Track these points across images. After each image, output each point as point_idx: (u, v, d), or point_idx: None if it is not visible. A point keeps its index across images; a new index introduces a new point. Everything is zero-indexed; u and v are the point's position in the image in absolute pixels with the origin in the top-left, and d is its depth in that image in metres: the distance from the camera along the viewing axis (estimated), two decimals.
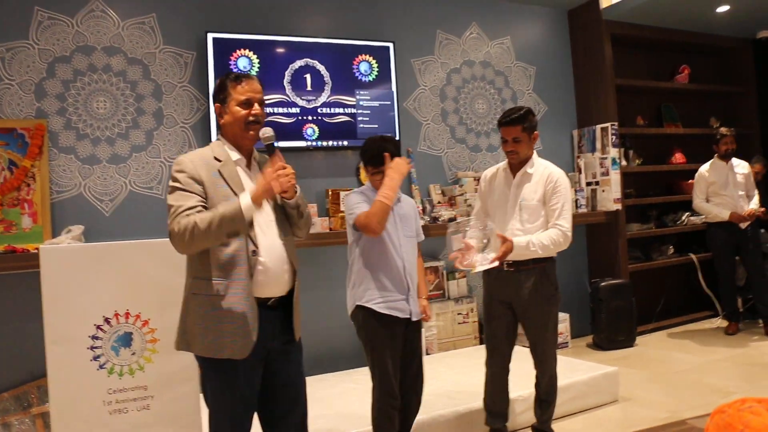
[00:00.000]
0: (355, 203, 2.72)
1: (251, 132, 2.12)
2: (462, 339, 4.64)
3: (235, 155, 2.13)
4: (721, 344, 4.93)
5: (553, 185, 2.91)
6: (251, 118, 2.12)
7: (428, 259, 4.69)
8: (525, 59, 5.29)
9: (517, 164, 2.99)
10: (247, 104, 2.12)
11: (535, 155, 3.01)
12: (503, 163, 3.07)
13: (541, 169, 2.97)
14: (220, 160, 2.09)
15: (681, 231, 5.71)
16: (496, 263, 2.71)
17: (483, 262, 2.69)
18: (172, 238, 1.98)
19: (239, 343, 2.03)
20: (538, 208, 2.92)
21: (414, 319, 2.76)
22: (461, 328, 4.65)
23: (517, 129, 2.90)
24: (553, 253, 2.94)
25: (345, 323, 2.93)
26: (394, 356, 2.71)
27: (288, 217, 2.21)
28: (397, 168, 2.66)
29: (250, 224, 2.03)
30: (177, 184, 2.04)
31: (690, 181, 5.77)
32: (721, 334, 5.21)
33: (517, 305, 2.96)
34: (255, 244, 2.07)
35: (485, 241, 2.79)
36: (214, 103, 2.17)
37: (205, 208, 2.02)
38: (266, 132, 2.18)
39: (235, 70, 3.90)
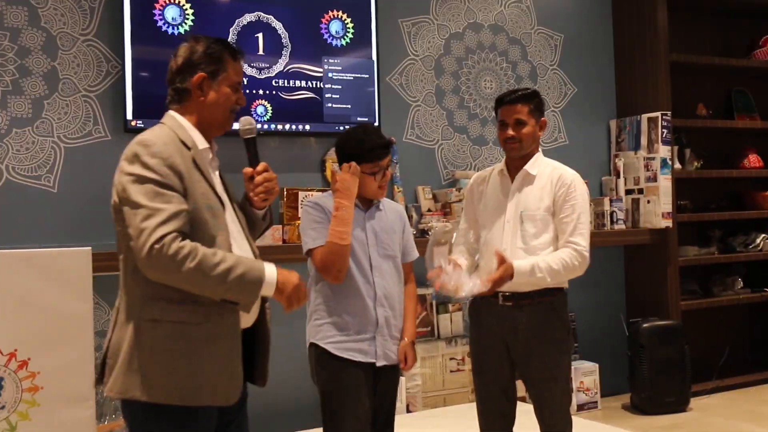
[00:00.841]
0: (310, 227, 2.95)
1: (229, 126, 2.37)
2: (455, 392, 4.89)
3: (202, 142, 2.30)
4: None
5: (565, 190, 3.08)
6: (237, 107, 2.36)
7: None
8: (550, 24, 5.60)
9: (516, 163, 3.17)
10: (237, 88, 2.35)
11: (539, 153, 3.21)
12: (499, 165, 3.27)
13: (549, 170, 3.15)
14: (188, 147, 2.24)
15: (755, 259, 5.99)
16: (486, 288, 2.87)
17: (471, 286, 2.86)
18: (154, 257, 2.04)
19: (223, 385, 2.20)
20: (546, 221, 3.09)
21: (379, 364, 2.96)
22: (454, 377, 4.91)
23: (523, 109, 3.11)
24: (564, 281, 3.14)
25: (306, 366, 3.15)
26: (355, 412, 2.89)
27: (252, 224, 2.49)
28: (346, 190, 2.88)
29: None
30: (150, 174, 2.11)
31: None
32: None
33: (514, 351, 3.14)
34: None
35: (477, 258, 3.04)
36: (196, 70, 2.28)
37: (188, 214, 2.15)
38: (248, 123, 2.42)
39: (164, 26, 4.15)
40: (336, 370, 2.92)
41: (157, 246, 2.04)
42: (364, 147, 2.96)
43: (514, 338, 3.11)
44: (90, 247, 3.39)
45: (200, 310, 2.16)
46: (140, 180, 2.11)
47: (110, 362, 2.19)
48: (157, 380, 2.14)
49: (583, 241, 3.04)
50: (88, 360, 3.22)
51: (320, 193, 4.25)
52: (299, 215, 4.34)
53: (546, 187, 3.11)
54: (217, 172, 2.39)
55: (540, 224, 3.09)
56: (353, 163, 2.93)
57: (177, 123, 2.29)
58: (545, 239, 3.09)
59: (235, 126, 2.47)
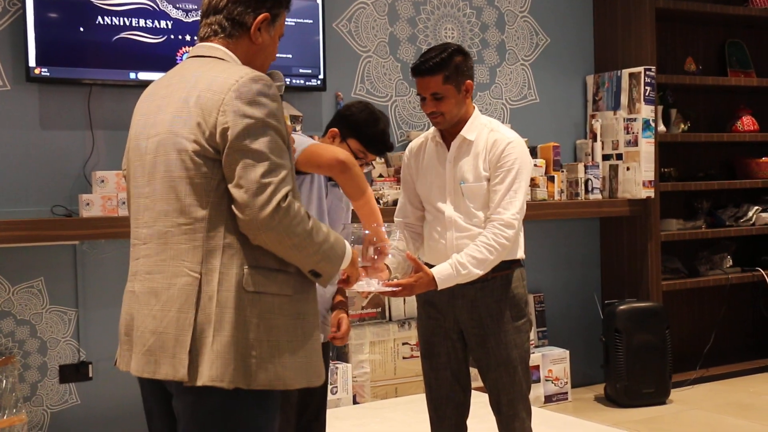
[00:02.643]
0: (303, 139, 2.99)
1: None
2: (408, 381, 5.00)
3: None
4: None
5: (498, 154, 3.15)
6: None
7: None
8: None
9: (452, 130, 3.24)
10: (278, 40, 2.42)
11: (476, 114, 3.27)
12: (431, 131, 3.34)
13: (486, 134, 3.22)
14: None
15: (746, 234, 6.15)
16: (387, 289, 2.94)
17: (364, 284, 2.86)
18: (280, 215, 2.08)
19: (318, 363, 2.27)
20: (484, 190, 3.18)
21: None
22: (407, 365, 5.01)
23: (437, 80, 3.14)
24: (516, 253, 3.24)
25: None
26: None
27: None
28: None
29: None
30: (273, 122, 2.14)
31: (765, 159, 6.24)
32: None
33: (467, 331, 3.24)
34: None
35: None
36: (262, 7, 2.31)
37: None
38: (280, 78, 2.51)
39: None
40: None
41: (284, 204, 2.08)
42: (373, 132, 3.11)
43: (467, 317, 3.21)
44: None
45: (290, 281, 2.21)
46: (264, 126, 2.12)
47: (201, 347, 2.11)
48: (264, 363, 2.14)
49: (509, 213, 3.10)
50: None
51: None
52: None
53: (481, 154, 3.19)
54: None
55: (479, 196, 3.18)
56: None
57: (236, 60, 2.29)
58: (487, 211, 3.18)
59: None
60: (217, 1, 2.31)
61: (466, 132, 3.22)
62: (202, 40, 2.34)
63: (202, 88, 2.16)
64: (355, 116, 3.16)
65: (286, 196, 2.09)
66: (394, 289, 2.96)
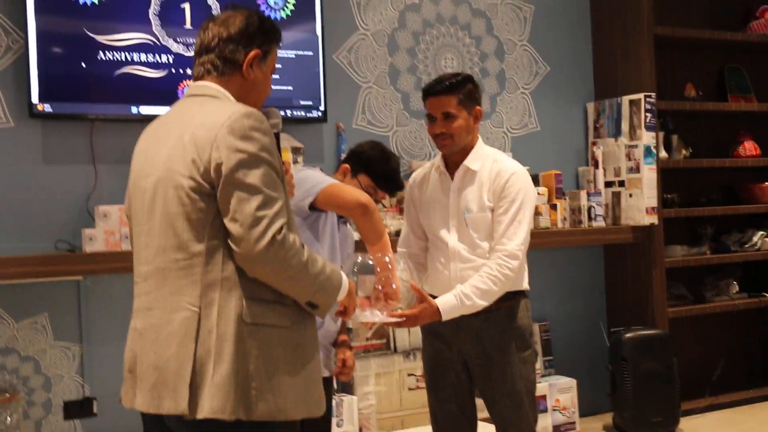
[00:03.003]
0: (323, 177, 3.09)
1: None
2: (414, 413, 5.00)
3: None
4: None
5: (502, 185, 3.22)
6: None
7: None
8: None
9: (456, 159, 3.31)
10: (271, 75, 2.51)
11: (480, 144, 3.35)
12: (436, 160, 3.41)
13: (490, 164, 3.28)
14: None
15: (752, 259, 6.19)
16: (392, 320, 2.98)
17: (368, 315, 2.93)
18: (275, 248, 2.14)
19: (319, 394, 2.35)
20: (489, 221, 3.24)
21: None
22: (413, 396, 5.02)
23: (450, 101, 3.23)
24: (521, 284, 3.29)
25: None
26: None
27: None
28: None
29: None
30: (266, 156, 2.19)
31: (767, 183, 6.28)
32: None
33: (472, 363, 3.29)
34: None
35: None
36: (252, 45, 2.39)
37: None
38: (276, 116, 2.55)
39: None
40: None
41: (279, 237, 2.13)
42: (384, 170, 3.23)
43: (471, 349, 3.26)
44: None
45: (287, 312, 2.26)
46: (257, 160, 2.17)
47: (201, 380, 2.16)
48: (265, 394, 2.19)
49: (513, 243, 3.15)
50: None
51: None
52: None
53: (486, 184, 3.25)
54: None
55: (484, 227, 3.24)
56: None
57: (228, 97, 2.36)
58: (491, 242, 3.24)
59: None
60: (209, 41, 2.40)
61: (470, 162, 3.27)
62: (196, 79, 2.42)
63: (195, 125, 2.23)
64: (366, 153, 3.27)
65: (281, 229, 2.15)
66: (399, 320, 2.99)
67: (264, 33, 2.43)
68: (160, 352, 2.21)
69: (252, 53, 2.39)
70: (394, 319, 2.98)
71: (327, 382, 3.06)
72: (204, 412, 2.14)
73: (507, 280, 3.13)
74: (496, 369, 3.23)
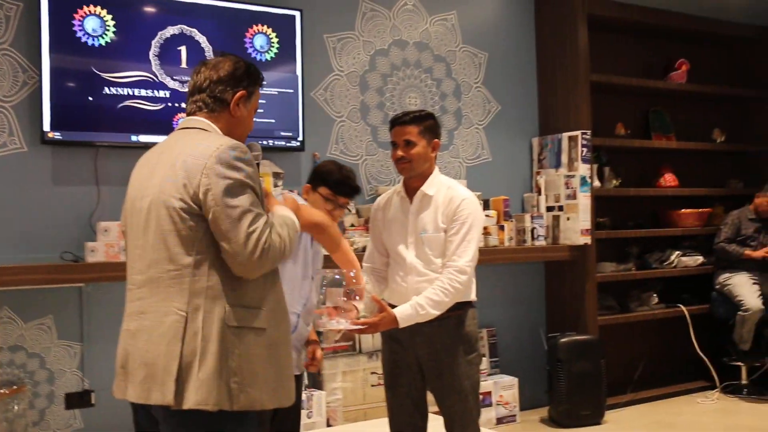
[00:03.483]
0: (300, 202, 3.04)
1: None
2: (376, 406, 4.94)
3: None
4: (718, 427, 5.36)
5: (454, 210, 3.19)
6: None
7: None
8: (474, 42, 5.71)
9: (414, 185, 3.28)
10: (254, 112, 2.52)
11: (436, 172, 3.32)
12: (398, 186, 3.39)
13: (444, 191, 3.26)
14: None
15: (669, 275, 6.23)
16: (355, 327, 2.95)
17: (335, 324, 2.91)
18: (266, 256, 2.18)
19: (288, 386, 2.36)
20: (442, 240, 3.21)
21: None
22: (375, 392, 4.96)
23: (413, 130, 3.22)
24: (470, 296, 3.25)
25: None
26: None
27: None
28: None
29: None
30: (250, 182, 2.22)
31: (684, 210, 6.34)
32: (719, 415, 5.64)
33: (426, 365, 3.24)
34: None
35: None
36: (239, 86, 2.40)
37: None
38: (258, 149, 2.58)
39: (82, 36, 4.14)
40: None
41: (266, 246, 2.18)
42: (336, 177, 3.17)
43: (425, 352, 3.22)
44: None
45: (266, 315, 2.28)
46: (242, 185, 2.20)
47: (187, 375, 2.16)
48: (245, 388, 2.20)
49: (462, 260, 3.13)
50: None
51: None
52: None
53: (440, 209, 3.23)
54: None
55: (437, 245, 3.22)
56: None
57: (217, 131, 2.36)
58: (444, 258, 3.21)
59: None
60: (201, 82, 2.41)
61: (426, 188, 3.26)
62: (188, 114, 2.43)
63: (187, 153, 2.24)
64: (321, 168, 3.28)
65: (267, 239, 2.18)
66: (361, 327, 2.98)
67: (249, 76, 2.44)
68: (151, 351, 2.20)
69: (239, 94, 2.40)
70: (357, 327, 2.96)
71: (298, 378, 3.02)
72: (189, 403, 2.14)
73: (457, 293, 3.11)
74: (446, 370, 3.20)
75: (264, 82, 2.52)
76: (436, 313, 3.09)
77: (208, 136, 2.30)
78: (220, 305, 2.20)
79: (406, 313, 3.05)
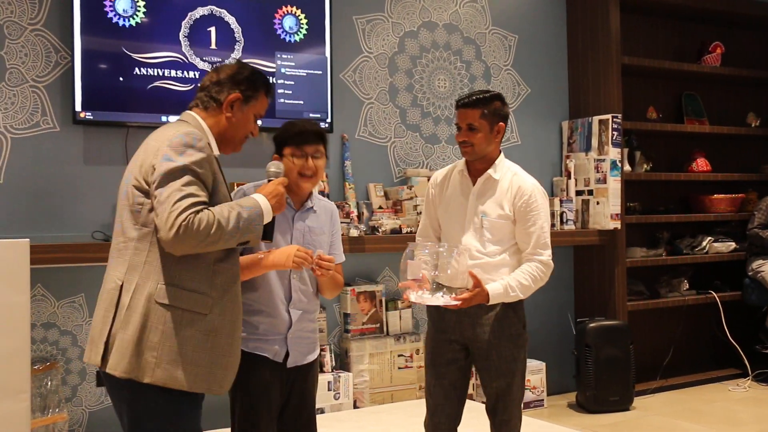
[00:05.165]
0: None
1: (239, 149, 2.64)
2: (403, 389, 5.00)
3: (216, 150, 2.55)
4: (749, 416, 5.35)
5: (526, 201, 3.15)
6: (250, 135, 2.63)
7: (362, 282, 5.04)
8: (504, 25, 5.71)
9: (477, 166, 3.23)
10: (257, 118, 2.62)
11: (502, 157, 3.27)
12: (459, 164, 3.31)
13: (510, 176, 3.21)
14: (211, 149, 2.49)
15: (700, 261, 6.19)
16: (452, 303, 2.99)
17: (438, 302, 3.00)
18: (183, 232, 2.25)
19: (219, 375, 2.44)
20: (503, 228, 3.17)
21: (290, 365, 2.95)
22: (402, 374, 5.01)
23: (475, 114, 3.15)
24: (536, 289, 3.23)
25: None
26: (269, 409, 2.92)
27: None
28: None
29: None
30: (194, 167, 2.34)
31: (716, 195, 6.30)
32: (750, 403, 5.62)
33: (474, 347, 3.22)
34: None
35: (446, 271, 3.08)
36: (235, 89, 2.53)
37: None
38: (279, 167, 2.73)
39: (118, 21, 4.20)
40: (246, 369, 2.79)
41: (184, 223, 2.26)
42: (291, 132, 2.97)
43: (473, 334, 3.19)
44: (28, 239, 3.40)
45: (207, 301, 2.41)
46: (184, 170, 2.33)
47: (113, 341, 2.35)
48: (163, 364, 2.34)
49: (546, 252, 3.16)
50: (24, 352, 3.30)
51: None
52: None
53: (506, 196, 3.18)
54: None
55: (498, 231, 3.18)
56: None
57: (201, 126, 2.51)
58: (501, 245, 3.19)
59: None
60: (205, 82, 2.60)
61: (493, 171, 3.21)
62: (188, 109, 2.60)
63: (153, 138, 2.46)
64: (276, 135, 3.03)
65: (186, 217, 2.27)
66: (456, 303, 3.02)
67: (249, 82, 2.58)
68: (96, 316, 2.44)
69: (232, 95, 2.53)
70: (454, 303, 3.00)
71: (280, 366, 2.94)
72: (106, 366, 2.35)
73: (542, 282, 3.16)
74: (495, 351, 3.18)
75: (271, 91, 2.64)
76: (522, 296, 3.11)
77: (179, 125, 2.47)
78: (154, 281, 2.35)
79: (497, 291, 3.06)
